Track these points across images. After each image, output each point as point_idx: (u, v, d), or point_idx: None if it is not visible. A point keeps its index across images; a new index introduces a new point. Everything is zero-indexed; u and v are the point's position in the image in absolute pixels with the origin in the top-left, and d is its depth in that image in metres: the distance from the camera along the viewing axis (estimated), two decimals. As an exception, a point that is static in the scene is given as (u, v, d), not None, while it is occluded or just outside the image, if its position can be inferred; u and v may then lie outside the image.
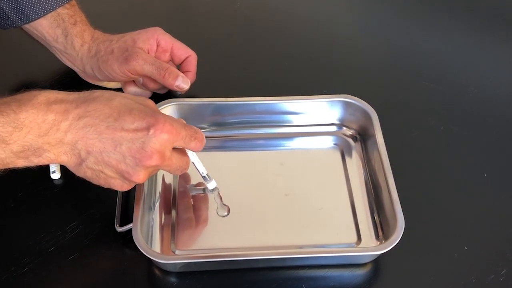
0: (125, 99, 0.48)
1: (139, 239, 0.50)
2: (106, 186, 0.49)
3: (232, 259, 0.51)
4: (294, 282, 0.52)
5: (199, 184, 0.58)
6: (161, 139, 0.46)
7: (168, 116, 0.49)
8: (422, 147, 0.64)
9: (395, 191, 0.53)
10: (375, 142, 0.58)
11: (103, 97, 0.48)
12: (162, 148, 0.47)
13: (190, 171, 0.54)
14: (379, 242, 0.54)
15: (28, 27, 0.63)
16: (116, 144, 0.46)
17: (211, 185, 0.55)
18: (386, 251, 0.50)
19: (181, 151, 0.51)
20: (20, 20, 0.62)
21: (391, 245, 0.50)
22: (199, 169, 0.54)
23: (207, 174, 0.55)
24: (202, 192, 0.58)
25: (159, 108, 0.60)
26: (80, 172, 0.49)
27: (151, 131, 0.46)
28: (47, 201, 0.57)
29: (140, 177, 0.48)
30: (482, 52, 0.76)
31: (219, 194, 0.57)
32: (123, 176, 0.48)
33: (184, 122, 0.51)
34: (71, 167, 0.49)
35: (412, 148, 0.64)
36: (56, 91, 0.48)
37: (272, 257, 0.51)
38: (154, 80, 0.62)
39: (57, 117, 0.46)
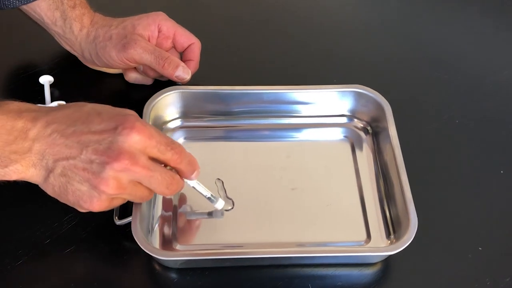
0: (99, 105, 0.45)
1: (138, 234, 0.48)
2: (73, 203, 0.45)
3: (235, 257, 0.49)
4: (300, 280, 0.50)
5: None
6: (130, 139, 0.42)
7: (144, 121, 0.45)
8: (436, 142, 0.62)
9: (409, 188, 0.51)
10: (388, 136, 0.56)
11: (75, 105, 0.45)
12: (131, 149, 0.42)
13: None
14: (389, 242, 0.52)
15: (26, 8, 0.61)
16: (83, 148, 0.42)
17: (218, 205, 0.52)
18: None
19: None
20: (18, 1, 0.59)
21: (403, 246, 0.48)
22: (201, 192, 0.50)
23: (211, 195, 0.51)
24: (206, 216, 0.53)
25: (162, 96, 0.59)
26: (48, 188, 0.45)
27: (119, 129, 0.42)
28: (43, 191, 0.55)
29: (108, 183, 0.42)
30: (500, 40, 0.74)
31: (223, 186, 0.55)
32: (91, 184, 0.43)
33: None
34: (40, 182, 0.45)
35: (425, 142, 0.61)
36: (30, 104, 0.45)
37: (276, 255, 0.49)
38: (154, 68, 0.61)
39: (26, 124, 0.43)
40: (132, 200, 0.47)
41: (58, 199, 0.45)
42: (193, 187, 0.50)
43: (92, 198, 0.44)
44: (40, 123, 0.43)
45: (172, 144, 0.45)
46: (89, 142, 0.42)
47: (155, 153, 0.44)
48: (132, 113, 0.45)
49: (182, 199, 0.55)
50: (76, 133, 0.43)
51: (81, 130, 0.43)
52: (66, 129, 0.43)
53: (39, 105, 0.46)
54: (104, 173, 0.42)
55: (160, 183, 0.44)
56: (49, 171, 0.44)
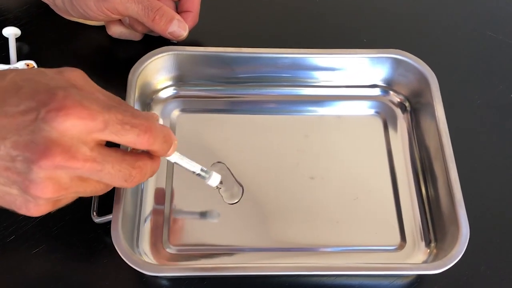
0: (27, 73, 0.34)
1: (120, 243, 0.40)
2: (7, 207, 0.35)
3: (238, 273, 0.42)
4: (319, 293, 0.44)
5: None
6: (59, 125, 0.32)
7: (87, 92, 0.34)
8: (486, 121, 0.53)
9: (459, 187, 0.43)
10: (432, 116, 0.47)
11: None
12: (64, 139, 0.32)
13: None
14: (429, 250, 0.44)
15: None
16: (0, 140, 0.32)
17: (213, 181, 0.43)
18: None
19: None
20: None
21: (451, 263, 0.40)
22: (187, 168, 0.41)
23: (201, 169, 0.42)
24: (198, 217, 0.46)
25: (152, 59, 0.50)
26: None
27: (41, 113, 0.32)
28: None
29: (42, 187, 0.33)
30: None
31: (229, 170, 0.48)
32: (20, 187, 0.33)
33: (122, 101, 0.36)
34: None
35: (473, 122, 0.53)
36: None
37: (286, 273, 0.42)
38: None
39: None
40: (85, 196, 0.37)
41: None
42: (174, 163, 0.40)
43: (27, 203, 0.34)
44: None
45: (134, 120, 0.34)
46: (7, 132, 0.32)
47: (108, 137, 0.34)
48: (73, 84, 0.34)
49: (176, 186, 0.47)
50: None
51: None
52: None
53: None
54: (32, 174, 0.32)
55: (113, 177, 0.35)
56: None
